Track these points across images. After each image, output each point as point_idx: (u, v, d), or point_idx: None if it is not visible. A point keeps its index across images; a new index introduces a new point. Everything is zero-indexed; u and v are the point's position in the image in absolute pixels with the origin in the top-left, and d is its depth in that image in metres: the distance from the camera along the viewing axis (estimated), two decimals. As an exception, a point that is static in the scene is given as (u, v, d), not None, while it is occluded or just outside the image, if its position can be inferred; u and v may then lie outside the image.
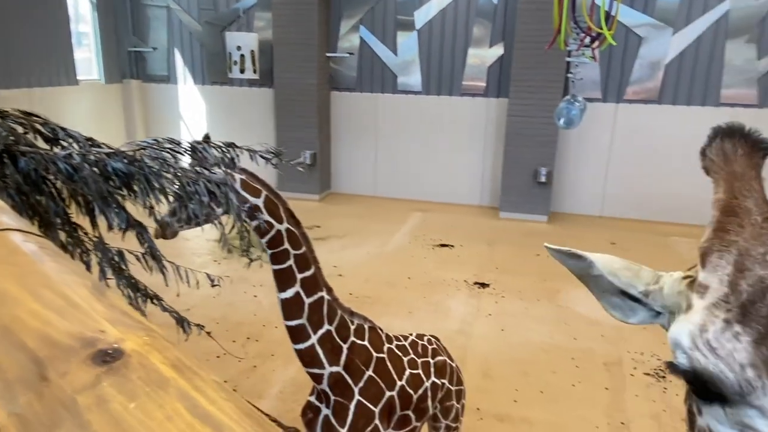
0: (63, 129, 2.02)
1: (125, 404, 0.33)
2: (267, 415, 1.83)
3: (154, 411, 0.32)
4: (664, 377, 4.61)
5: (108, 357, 0.37)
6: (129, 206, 1.97)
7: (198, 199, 1.88)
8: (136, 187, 1.86)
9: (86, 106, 9.54)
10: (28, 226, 0.66)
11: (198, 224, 2.00)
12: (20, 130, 1.89)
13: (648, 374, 4.64)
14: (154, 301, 2.28)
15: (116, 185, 1.89)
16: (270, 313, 5.39)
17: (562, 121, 5.70)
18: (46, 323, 0.41)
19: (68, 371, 0.36)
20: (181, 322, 2.30)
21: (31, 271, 0.50)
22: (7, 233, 0.58)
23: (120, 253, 2.11)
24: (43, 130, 1.98)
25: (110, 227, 1.93)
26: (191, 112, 10.45)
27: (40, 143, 1.92)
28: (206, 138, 2.11)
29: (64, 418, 0.32)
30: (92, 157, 1.85)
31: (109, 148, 1.93)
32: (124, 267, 2.11)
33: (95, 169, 1.82)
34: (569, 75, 7.15)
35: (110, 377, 0.35)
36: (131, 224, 1.99)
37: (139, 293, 2.12)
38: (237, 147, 2.10)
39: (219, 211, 1.95)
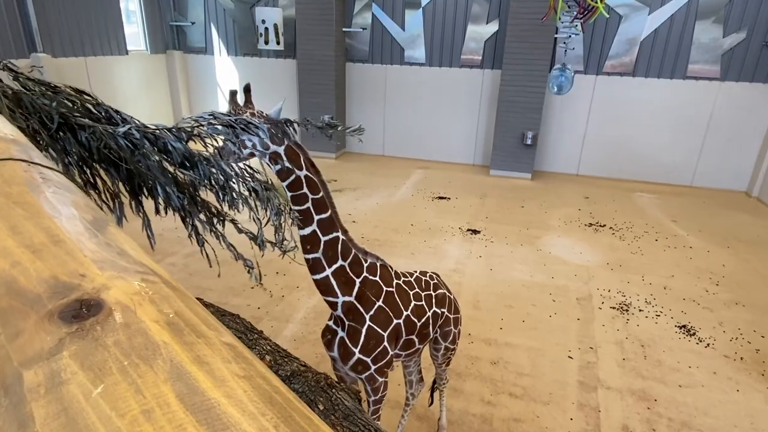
0: (117, 111, 1.75)
1: (87, 388, 0.17)
2: (296, 359, 1.71)
3: (126, 400, 0.18)
4: (626, 311, 4.54)
5: (82, 311, 0.23)
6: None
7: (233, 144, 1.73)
8: (197, 165, 1.64)
9: (135, 73, 9.24)
10: (40, 157, 0.50)
11: (240, 159, 1.88)
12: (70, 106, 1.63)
13: (613, 308, 4.57)
14: (230, 222, 2.01)
15: (176, 163, 1.66)
16: (298, 255, 5.31)
17: (555, 87, 5.41)
18: (15, 264, 0.25)
19: (23, 330, 0.20)
20: (257, 239, 2.08)
21: (19, 202, 0.35)
22: (11, 163, 0.43)
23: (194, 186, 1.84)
24: (93, 110, 1.74)
25: (159, 209, 1.69)
26: (226, 79, 10.09)
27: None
28: (247, 88, 1.91)
29: (-3, 406, 0.18)
30: (152, 135, 1.61)
31: (166, 127, 1.64)
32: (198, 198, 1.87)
33: (155, 147, 1.59)
34: (562, 45, 6.77)
35: (76, 342, 0.19)
36: (183, 206, 1.73)
37: (216, 217, 1.90)
38: (292, 122, 1.89)
39: (246, 152, 1.84)
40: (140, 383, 0.18)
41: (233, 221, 1.83)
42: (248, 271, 1.96)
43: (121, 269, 0.26)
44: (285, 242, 2.02)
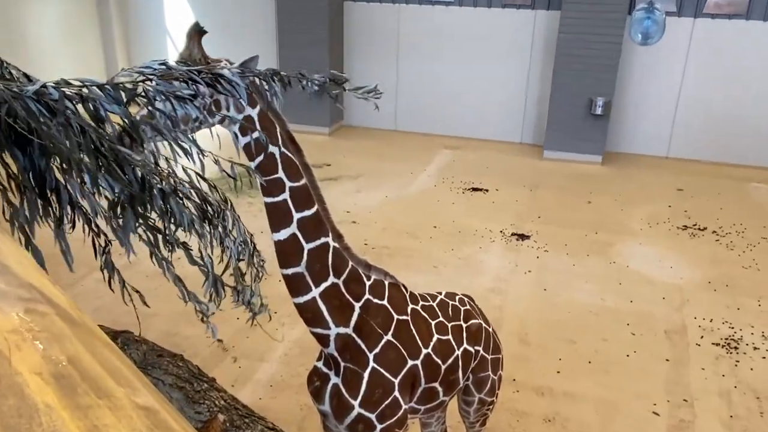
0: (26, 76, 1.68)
1: None
2: (260, 419, 1.70)
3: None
4: (736, 348, 4.50)
5: (-69, 358, 0.21)
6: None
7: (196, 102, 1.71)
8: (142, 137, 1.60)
9: (54, 18, 9.31)
10: None
11: (193, 129, 1.88)
12: None
13: (717, 344, 4.53)
14: (179, 248, 1.91)
15: (113, 136, 1.62)
16: (273, 264, 5.34)
17: (639, 35, 5.39)
18: None
19: None
20: (215, 282, 1.98)
21: None
22: None
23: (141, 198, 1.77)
24: None
25: (64, 217, 1.62)
26: (178, 25, 10.15)
27: None
28: (197, 28, 1.88)
29: None
30: (73, 93, 1.55)
31: (96, 83, 1.58)
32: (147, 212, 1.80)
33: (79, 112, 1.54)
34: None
35: None
36: (131, 197, 1.67)
37: (162, 236, 1.84)
38: (280, 75, 1.87)
39: (216, 118, 1.84)
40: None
41: (185, 246, 1.81)
42: (202, 319, 1.92)
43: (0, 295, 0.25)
44: (252, 297, 1.98)
